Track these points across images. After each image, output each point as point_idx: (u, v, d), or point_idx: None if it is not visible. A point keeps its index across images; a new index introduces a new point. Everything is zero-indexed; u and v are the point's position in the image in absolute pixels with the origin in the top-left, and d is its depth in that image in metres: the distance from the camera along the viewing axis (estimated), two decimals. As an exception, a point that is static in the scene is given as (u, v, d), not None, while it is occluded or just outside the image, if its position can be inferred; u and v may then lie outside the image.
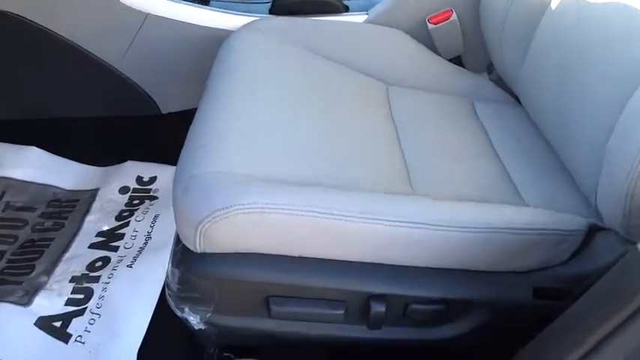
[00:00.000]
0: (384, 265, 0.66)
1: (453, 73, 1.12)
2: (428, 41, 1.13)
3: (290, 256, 0.65)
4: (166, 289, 0.72)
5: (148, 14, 1.12)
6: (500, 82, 1.12)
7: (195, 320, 0.70)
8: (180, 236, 0.68)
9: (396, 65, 1.08)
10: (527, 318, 0.67)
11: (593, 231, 0.70)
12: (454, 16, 1.08)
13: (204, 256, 0.66)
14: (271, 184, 0.63)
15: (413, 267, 0.67)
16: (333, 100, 0.92)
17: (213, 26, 1.14)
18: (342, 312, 0.67)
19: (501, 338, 0.71)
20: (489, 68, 1.17)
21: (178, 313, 0.71)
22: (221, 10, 1.14)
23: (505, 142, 0.93)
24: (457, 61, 1.16)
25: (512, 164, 0.87)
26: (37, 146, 1.25)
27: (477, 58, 1.16)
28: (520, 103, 1.04)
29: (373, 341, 0.71)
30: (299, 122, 0.81)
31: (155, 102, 1.27)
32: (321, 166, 0.72)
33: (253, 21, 1.07)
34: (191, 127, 0.77)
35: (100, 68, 1.19)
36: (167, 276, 0.72)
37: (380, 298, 0.67)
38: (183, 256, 0.68)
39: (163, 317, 0.90)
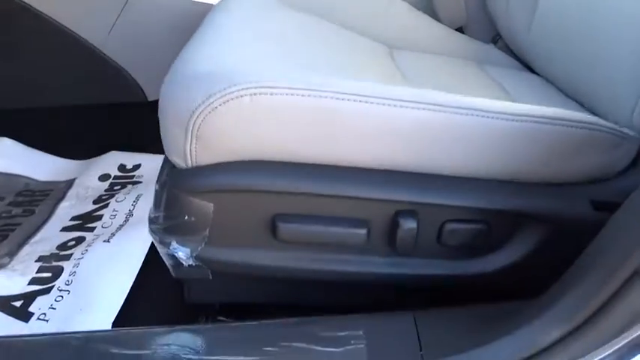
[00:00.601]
0: (414, 174, 0.55)
1: (459, 39, 1.07)
2: (430, 11, 1.09)
3: (303, 164, 0.54)
4: (149, 225, 0.60)
5: (135, -12, 1.07)
6: (507, 52, 1.08)
7: (184, 255, 0.57)
8: (167, 150, 0.56)
9: (399, 31, 1.03)
10: (586, 236, 0.56)
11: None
12: (455, -21, 1.04)
13: (198, 169, 0.54)
14: (282, 64, 0.53)
15: (449, 176, 0.56)
16: (334, 47, 0.85)
17: (205, 1, 1.09)
18: (365, 232, 0.55)
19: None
20: (494, 39, 1.12)
21: (163, 251, 0.58)
22: (213, -19, 1.09)
23: (523, 91, 0.86)
24: (460, 32, 1.12)
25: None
26: (10, 137, 1.14)
27: (481, 28, 1.11)
28: (531, 71, 0.99)
29: (399, 278, 0.59)
30: (301, 45, 0.72)
31: (141, 88, 1.18)
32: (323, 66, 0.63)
33: (248, -14, 1.01)
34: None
35: (81, 49, 1.11)
36: (150, 209, 0.60)
37: (410, 214, 0.55)
38: (171, 174, 0.56)
39: (147, 289, 0.77)
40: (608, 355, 0.46)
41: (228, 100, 0.50)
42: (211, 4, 1.06)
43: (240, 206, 0.55)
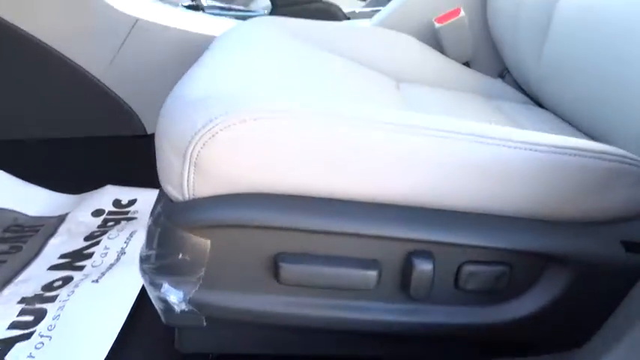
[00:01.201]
0: (430, 210, 0.51)
1: (467, 73, 1.04)
2: (436, 46, 1.07)
3: (309, 197, 0.49)
4: (140, 265, 0.55)
5: (138, 19, 1.05)
6: (515, 87, 1.06)
7: (176, 299, 0.51)
8: (162, 180, 0.52)
9: (406, 65, 1.01)
10: (618, 280, 0.51)
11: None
12: (462, 14, 1.03)
13: (195, 202, 0.50)
14: (286, 90, 0.49)
15: (468, 213, 0.51)
16: (340, 79, 0.82)
17: (209, 33, 1.07)
18: (375, 274, 0.50)
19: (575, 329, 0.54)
20: (502, 74, 1.10)
21: (154, 294, 0.53)
22: (217, 15, 1.09)
23: (537, 127, 0.83)
24: (467, 67, 1.10)
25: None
26: (1, 169, 1.11)
27: (488, 62, 1.10)
28: (539, 106, 0.97)
29: (413, 327, 0.53)
30: (305, 74, 0.69)
31: (140, 120, 1.15)
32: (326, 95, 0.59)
33: (252, 18, 1.00)
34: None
35: (81, 79, 1.08)
36: (142, 247, 0.55)
37: (425, 254, 0.50)
38: (165, 207, 0.52)
39: (135, 336, 0.71)
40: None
41: (229, 125, 0.46)
42: (215, 36, 1.04)
43: (239, 244, 0.50)
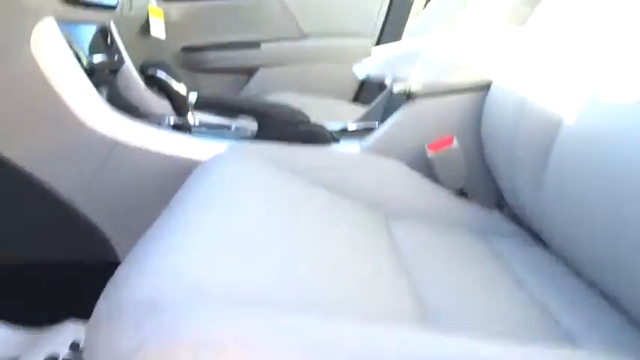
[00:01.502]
0: None
1: (461, 206, 0.98)
2: (429, 172, 1.01)
3: None
4: None
5: (117, 143, 1.00)
6: (514, 220, 0.98)
7: None
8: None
9: (395, 196, 0.95)
10: None
11: None
12: (455, 143, 0.98)
13: None
14: (250, 305, 0.41)
15: None
16: (324, 227, 0.75)
17: (191, 157, 1.01)
18: None
19: None
20: (499, 204, 1.04)
21: None
22: (203, 136, 1.04)
23: (533, 277, 0.75)
24: (463, 194, 1.03)
25: (550, 299, 0.69)
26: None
27: (484, 192, 1.03)
28: (540, 240, 0.89)
29: None
30: (283, 242, 0.61)
31: (113, 247, 1.07)
32: (309, 292, 0.51)
33: (237, 144, 0.95)
34: (136, 245, 0.57)
35: (51, 202, 1.01)
36: None
37: None
38: None
39: None
40: None
41: (164, 355, 0.37)
42: (197, 160, 0.99)
43: None
